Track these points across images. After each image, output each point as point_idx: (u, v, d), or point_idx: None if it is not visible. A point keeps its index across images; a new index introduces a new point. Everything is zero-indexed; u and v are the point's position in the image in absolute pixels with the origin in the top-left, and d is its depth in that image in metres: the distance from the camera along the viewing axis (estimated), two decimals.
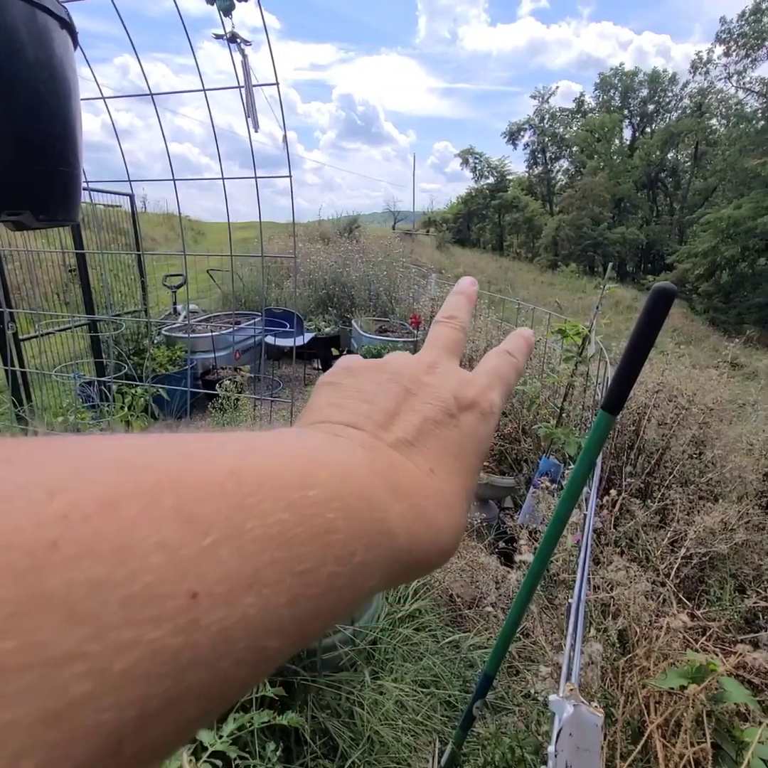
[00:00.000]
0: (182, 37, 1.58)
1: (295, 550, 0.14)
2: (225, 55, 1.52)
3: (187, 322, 5.11)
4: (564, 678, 0.80)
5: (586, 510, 1.42)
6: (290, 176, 1.74)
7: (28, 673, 0.09)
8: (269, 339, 5.37)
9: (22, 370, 3.18)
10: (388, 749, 1.39)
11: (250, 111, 1.48)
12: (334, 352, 5.59)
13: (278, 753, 1.16)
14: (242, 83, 1.48)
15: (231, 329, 5.09)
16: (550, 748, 0.60)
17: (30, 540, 0.10)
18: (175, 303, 5.61)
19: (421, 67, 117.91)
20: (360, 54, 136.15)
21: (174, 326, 5.16)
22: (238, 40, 1.38)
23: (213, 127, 1.68)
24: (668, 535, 1.94)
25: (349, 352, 5.60)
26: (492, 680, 0.93)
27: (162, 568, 0.11)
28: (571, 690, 0.62)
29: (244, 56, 1.40)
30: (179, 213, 2.02)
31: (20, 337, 3.32)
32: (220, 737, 1.05)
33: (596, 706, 0.60)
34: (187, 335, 4.83)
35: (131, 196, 4.58)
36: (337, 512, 0.15)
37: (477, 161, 38.43)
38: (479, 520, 2.35)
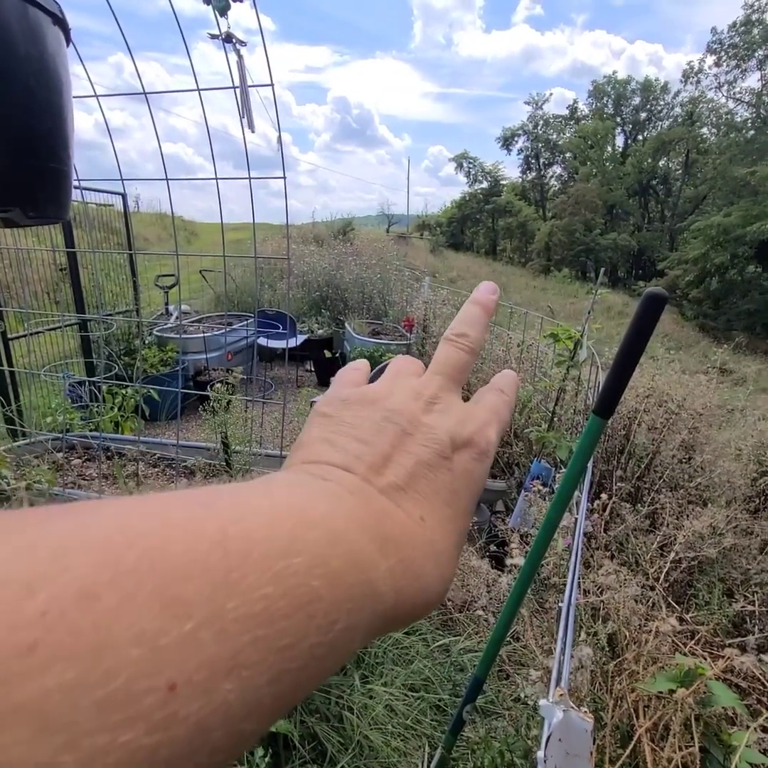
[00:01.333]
0: (176, 36, 1.57)
1: (278, 625, 0.13)
2: (219, 55, 1.52)
3: (179, 323, 5.08)
4: (554, 682, 0.80)
5: (577, 514, 1.43)
6: (284, 178, 1.74)
7: None
8: (262, 340, 5.35)
9: (10, 369, 3.14)
10: (377, 754, 1.38)
11: (245, 111, 1.48)
12: (327, 354, 5.58)
13: (267, 759, 1.15)
14: (237, 83, 1.48)
15: (223, 330, 5.07)
16: (540, 754, 0.60)
17: (6, 646, 0.10)
18: (167, 303, 5.58)
19: (416, 71, 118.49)
20: (355, 57, 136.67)
21: (166, 327, 5.13)
22: (234, 41, 1.38)
23: (207, 127, 1.68)
24: (658, 539, 1.95)
25: (342, 354, 5.59)
26: (482, 684, 0.93)
27: (140, 661, 0.11)
28: (561, 695, 0.62)
29: (240, 57, 1.39)
30: (172, 213, 2.01)
31: (9, 336, 3.28)
32: None
33: (586, 712, 0.60)
34: (178, 336, 4.80)
35: (124, 196, 4.55)
36: (322, 579, 0.15)
37: (471, 166, 38.63)
38: (471, 524, 2.35)
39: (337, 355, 5.61)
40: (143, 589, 0.12)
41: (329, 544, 0.16)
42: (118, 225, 4.78)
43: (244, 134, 1.69)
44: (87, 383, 3.22)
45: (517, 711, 1.42)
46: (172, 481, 2.46)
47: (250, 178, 1.76)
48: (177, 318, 5.27)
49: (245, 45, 1.42)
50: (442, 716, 1.57)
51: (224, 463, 2.44)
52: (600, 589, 1.46)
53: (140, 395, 2.92)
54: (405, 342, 5.18)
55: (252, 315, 5.51)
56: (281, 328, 5.29)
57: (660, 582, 1.73)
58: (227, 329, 5.13)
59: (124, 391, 3.17)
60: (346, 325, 5.84)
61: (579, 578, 1.36)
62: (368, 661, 1.63)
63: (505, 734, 1.33)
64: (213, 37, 1.39)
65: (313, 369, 5.93)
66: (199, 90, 1.61)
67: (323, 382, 5.41)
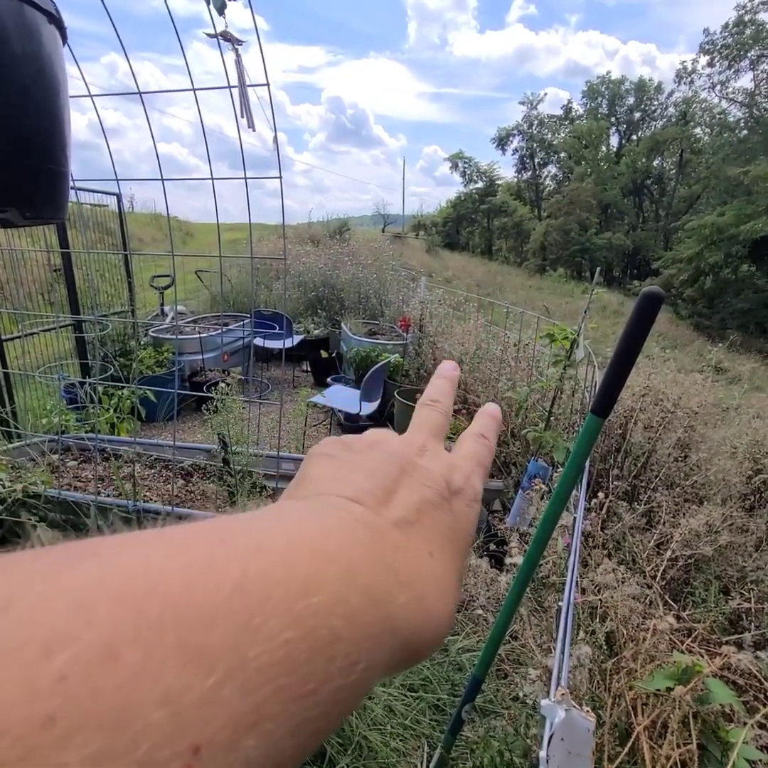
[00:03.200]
0: (170, 36, 1.56)
1: (300, 671, 0.13)
2: (213, 55, 1.52)
3: (174, 324, 5.07)
4: (554, 681, 0.80)
5: (575, 513, 1.43)
6: (280, 178, 1.74)
7: None
8: (258, 341, 5.33)
9: (5, 370, 3.12)
10: (376, 754, 1.38)
11: (245, 111, 1.47)
12: (323, 354, 5.58)
13: None
14: (234, 83, 1.47)
15: (219, 331, 5.05)
16: (542, 753, 0.60)
17: (22, 720, 0.09)
18: (162, 304, 5.56)
19: (410, 71, 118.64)
20: (349, 57, 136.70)
21: (161, 327, 5.11)
22: (231, 40, 1.37)
23: (202, 127, 1.67)
24: (654, 538, 1.96)
25: (339, 354, 5.59)
26: (481, 683, 0.93)
27: (164, 725, 0.10)
28: (563, 695, 0.62)
29: (238, 56, 1.39)
30: (167, 213, 2.00)
31: (3, 337, 3.26)
32: None
33: (588, 711, 0.60)
34: (174, 337, 4.78)
35: (118, 196, 4.53)
36: (342, 619, 0.15)
37: (466, 166, 38.67)
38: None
39: (334, 355, 5.61)
40: (166, 643, 0.11)
41: (348, 579, 0.16)
42: (112, 225, 4.76)
43: (239, 134, 1.69)
44: (82, 384, 3.20)
45: (516, 710, 1.42)
46: (169, 483, 2.45)
47: (245, 179, 1.76)
48: (172, 319, 5.25)
49: (242, 44, 1.42)
50: (441, 716, 1.57)
51: (222, 464, 2.43)
52: (598, 588, 1.47)
53: (136, 396, 2.91)
54: (401, 342, 5.18)
55: (248, 315, 5.50)
56: (277, 328, 5.28)
57: (657, 580, 1.74)
58: (223, 330, 5.11)
59: (120, 392, 3.15)
60: (343, 325, 5.83)
61: (577, 577, 1.37)
62: None
63: (504, 733, 1.33)
64: (210, 36, 1.39)
65: (309, 369, 5.92)
66: (194, 90, 1.60)
67: (320, 383, 5.40)
